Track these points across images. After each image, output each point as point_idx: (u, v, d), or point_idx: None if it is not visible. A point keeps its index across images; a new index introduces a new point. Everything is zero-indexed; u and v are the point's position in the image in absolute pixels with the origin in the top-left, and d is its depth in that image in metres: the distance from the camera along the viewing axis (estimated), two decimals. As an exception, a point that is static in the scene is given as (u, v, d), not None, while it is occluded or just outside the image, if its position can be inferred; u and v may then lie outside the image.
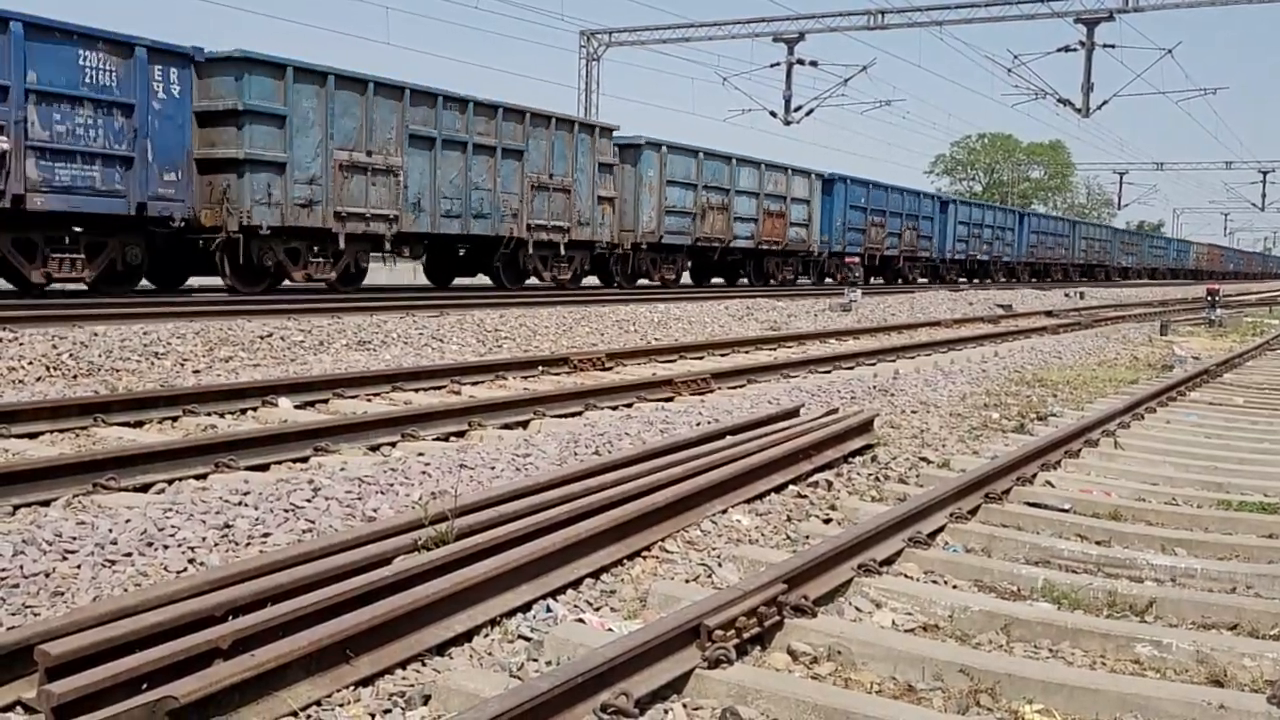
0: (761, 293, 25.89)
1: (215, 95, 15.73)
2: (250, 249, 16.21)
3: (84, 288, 15.05)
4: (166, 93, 14.87)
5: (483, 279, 22.50)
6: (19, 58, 13.06)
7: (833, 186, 32.35)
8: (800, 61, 34.81)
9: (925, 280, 39.08)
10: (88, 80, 13.86)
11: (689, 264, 29.08)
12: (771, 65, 35.39)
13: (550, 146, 21.53)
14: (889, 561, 4.58)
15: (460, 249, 21.53)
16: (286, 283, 17.52)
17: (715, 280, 30.48)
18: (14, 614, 3.54)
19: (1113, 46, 31.38)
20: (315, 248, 17.33)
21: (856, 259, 33.52)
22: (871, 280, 35.00)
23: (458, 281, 22.58)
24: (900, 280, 36.55)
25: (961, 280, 41.43)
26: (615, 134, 24.03)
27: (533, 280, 22.33)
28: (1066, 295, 36.02)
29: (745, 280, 30.01)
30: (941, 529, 5.12)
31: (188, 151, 15.28)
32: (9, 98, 12.99)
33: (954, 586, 4.45)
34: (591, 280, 25.11)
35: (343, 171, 17.13)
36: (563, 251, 22.28)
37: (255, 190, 15.84)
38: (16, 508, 4.90)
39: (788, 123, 35.60)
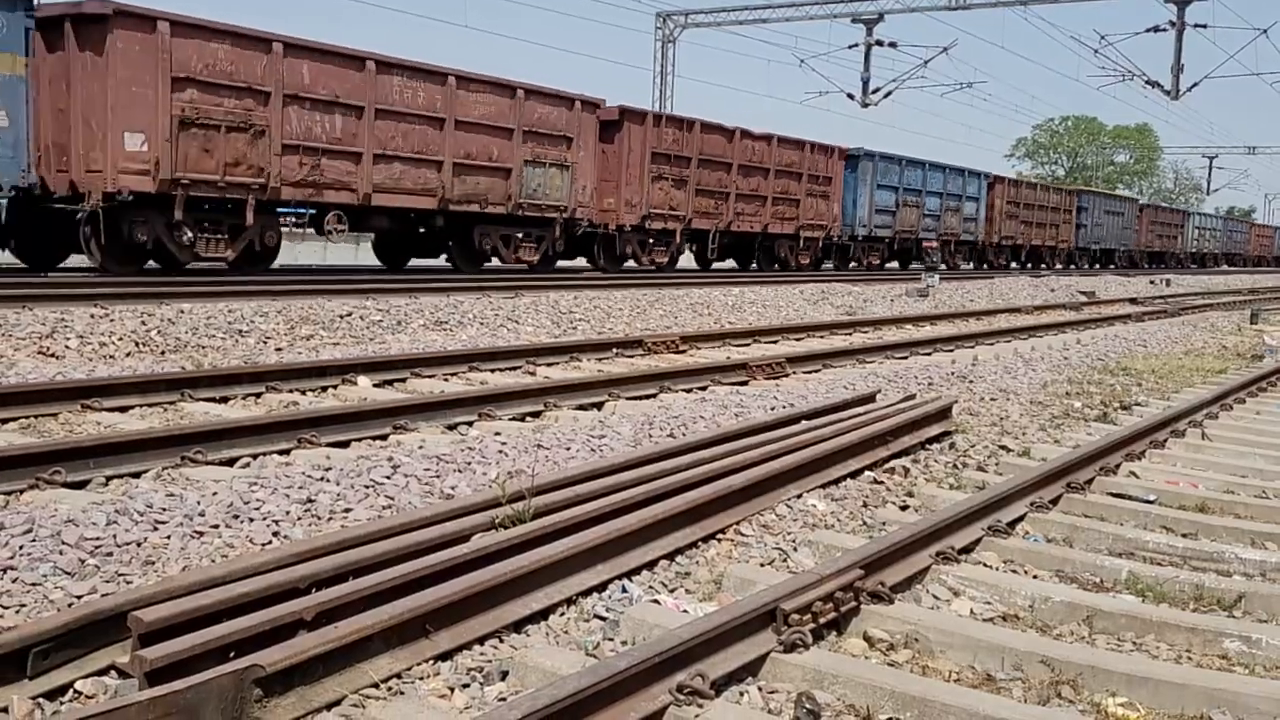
0: (837, 277, 25.60)
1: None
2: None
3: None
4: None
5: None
6: None
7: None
8: (879, 43, 34.39)
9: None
10: None
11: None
12: (850, 46, 35.08)
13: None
14: (968, 550, 4.53)
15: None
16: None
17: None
18: (108, 581, 3.66)
19: (1204, 26, 30.63)
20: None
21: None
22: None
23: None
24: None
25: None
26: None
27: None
28: (1152, 282, 35.13)
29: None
30: (1022, 518, 5.04)
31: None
32: None
33: (1034, 576, 4.38)
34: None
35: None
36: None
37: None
38: (109, 479, 5.06)
39: (865, 105, 35.18)
